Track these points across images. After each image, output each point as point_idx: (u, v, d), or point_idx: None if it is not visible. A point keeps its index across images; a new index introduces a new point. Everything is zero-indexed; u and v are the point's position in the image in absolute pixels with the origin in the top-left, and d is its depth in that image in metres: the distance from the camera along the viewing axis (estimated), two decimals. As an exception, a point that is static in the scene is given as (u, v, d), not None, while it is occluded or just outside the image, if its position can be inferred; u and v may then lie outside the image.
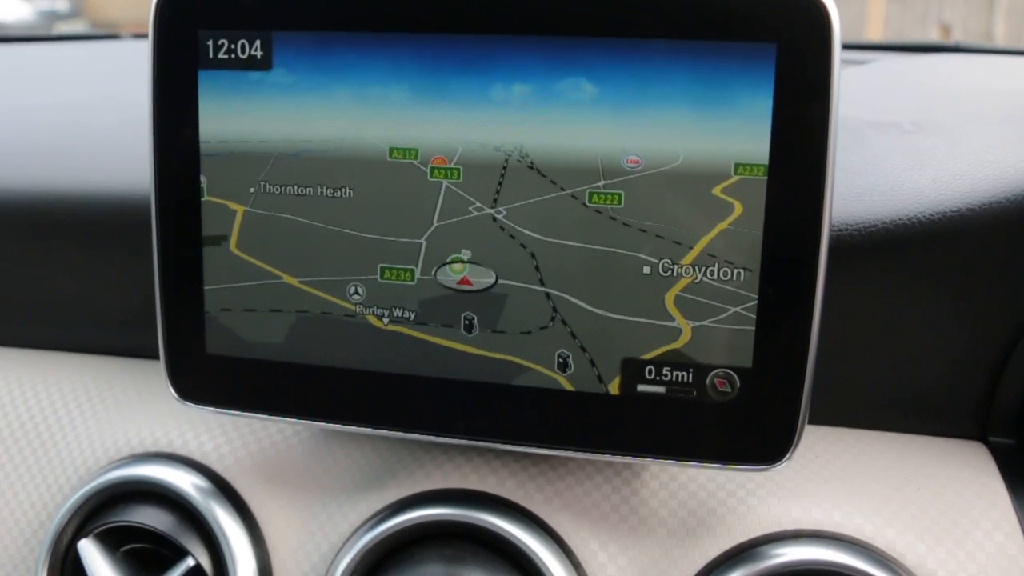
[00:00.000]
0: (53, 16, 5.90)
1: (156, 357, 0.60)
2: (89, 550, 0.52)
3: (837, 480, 0.50)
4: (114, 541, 0.53)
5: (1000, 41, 5.67)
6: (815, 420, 0.53)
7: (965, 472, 0.51)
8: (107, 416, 0.57)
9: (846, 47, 0.93)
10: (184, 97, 0.46)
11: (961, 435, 0.53)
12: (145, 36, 1.02)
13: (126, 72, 0.89)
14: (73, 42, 1.14)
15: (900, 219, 0.48)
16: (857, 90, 0.68)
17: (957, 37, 5.65)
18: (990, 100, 0.64)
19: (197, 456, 0.54)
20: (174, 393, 0.49)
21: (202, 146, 0.46)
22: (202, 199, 0.47)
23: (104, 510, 0.54)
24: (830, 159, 0.40)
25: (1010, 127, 0.56)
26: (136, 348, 0.61)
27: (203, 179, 0.47)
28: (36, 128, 0.70)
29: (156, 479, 0.53)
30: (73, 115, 0.73)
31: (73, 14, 6.17)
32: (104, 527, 0.53)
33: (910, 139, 0.55)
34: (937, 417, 0.53)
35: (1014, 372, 0.51)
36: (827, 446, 0.52)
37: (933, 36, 5.63)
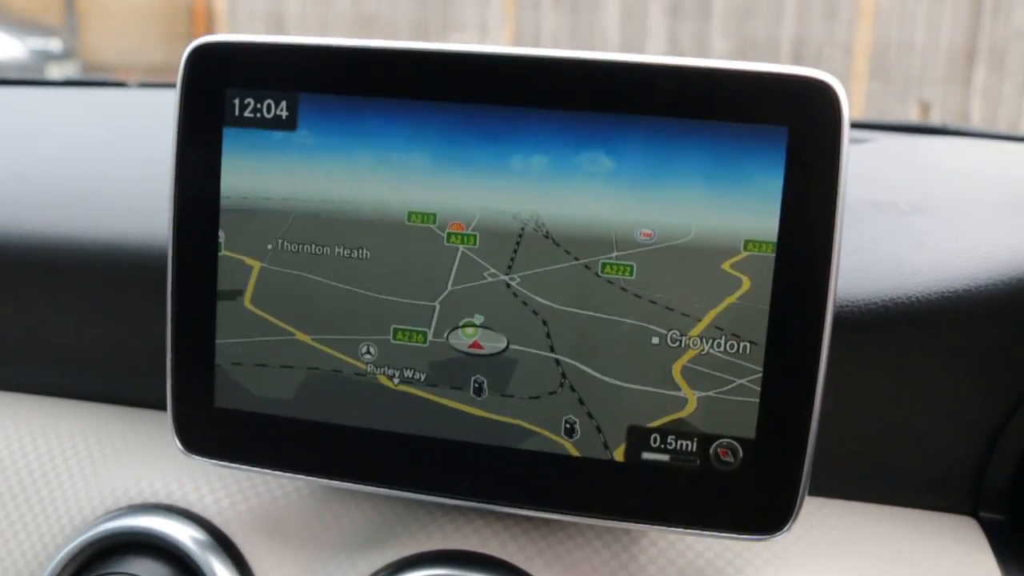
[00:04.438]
0: (46, 56, 5.91)
1: (158, 407, 0.60)
2: (82, 601, 0.52)
3: (832, 552, 0.51)
4: (109, 592, 0.53)
5: (976, 119, 5.80)
6: (812, 492, 0.54)
7: (957, 547, 0.52)
8: (106, 465, 0.57)
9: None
10: (208, 152, 0.47)
11: (953, 510, 0.54)
12: (151, 85, 1.04)
13: (135, 121, 0.90)
14: (79, 88, 1.15)
15: (899, 298, 0.49)
16: (857, 168, 0.70)
17: (935, 115, 5.78)
18: (981, 184, 0.66)
19: (196, 509, 0.54)
20: (179, 445, 0.49)
21: (223, 201, 0.47)
22: (219, 253, 0.48)
23: (99, 561, 0.53)
24: (836, 238, 0.42)
25: (1003, 212, 0.58)
26: (139, 398, 0.61)
27: (222, 234, 0.47)
28: (47, 174, 0.71)
29: (154, 531, 0.53)
30: (84, 162, 0.74)
31: (66, 55, 6.19)
32: (99, 578, 0.52)
33: (908, 220, 0.57)
34: (930, 492, 0.54)
35: (1005, 450, 0.52)
36: (823, 518, 0.53)
37: (913, 114, 5.75)
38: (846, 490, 0.54)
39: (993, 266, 0.50)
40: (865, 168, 0.70)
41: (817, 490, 0.54)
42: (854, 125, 0.94)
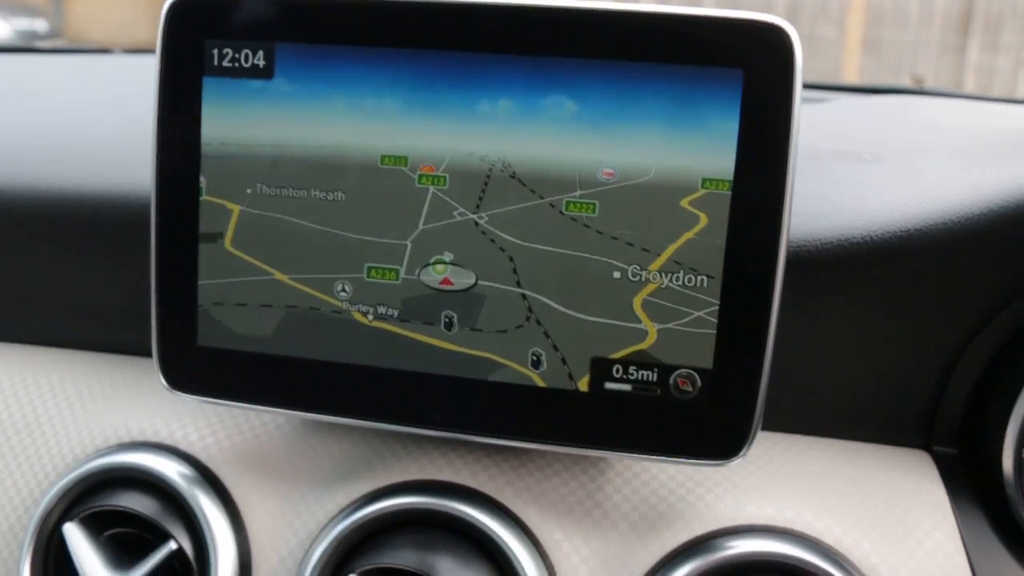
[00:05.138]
0: (32, 35, 5.88)
1: (144, 353, 0.63)
2: (73, 533, 0.54)
3: (790, 482, 0.53)
4: (99, 525, 0.55)
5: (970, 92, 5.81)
6: (771, 427, 0.56)
7: (909, 478, 0.54)
8: (95, 407, 0.60)
9: (812, 87, 0.98)
10: (188, 101, 0.49)
11: (907, 444, 0.57)
12: (135, 52, 1.05)
13: (118, 84, 0.92)
14: (65, 55, 1.16)
15: (854, 238, 0.51)
16: (821, 123, 0.72)
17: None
18: (943, 136, 0.68)
19: (182, 445, 0.56)
20: (164, 383, 0.51)
21: (203, 148, 0.49)
22: (200, 198, 0.50)
23: (90, 495, 0.56)
24: (790, 176, 0.44)
25: (960, 159, 0.60)
26: (125, 344, 0.64)
27: (203, 179, 0.49)
28: (34, 132, 0.72)
29: (142, 466, 0.55)
30: (69, 120, 0.76)
31: (53, 34, 6.16)
32: (89, 511, 0.55)
33: (868, 167, 0.59)
34: (885, 427, 0.56)
35: (957, 386, 0.54)
36: (782, 451, 0.55)
37: (905, 87, 5.75)
38: (805, 425, 0.57)
39: (946, 208, 0.52)
40: (828, 123, 0.73)
41: (776, 425, 0.56)
42: (825, 87, 0.96)
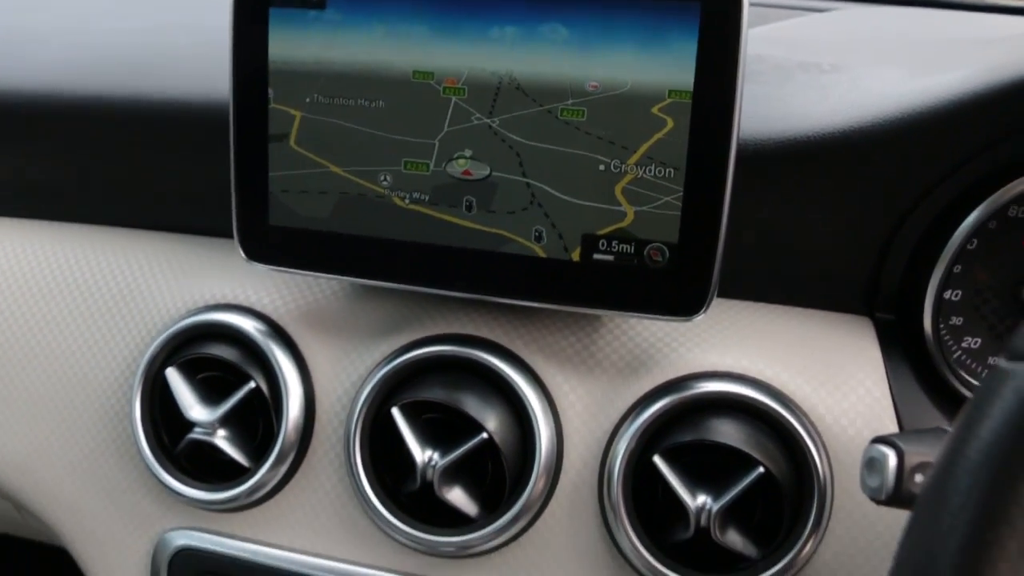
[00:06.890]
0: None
1: (223, 235, 0.75)
2: (174, 376, 0.68)
3: (748, 339, 0.65)
4: (193, 370, 0.69)
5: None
6: (734, 295, 0.68)
7: (850, 339, 0.66)
8: (186, 277, 0.73)
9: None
10: (257, 28, 0.60)
11: (851, 310, 0.68)
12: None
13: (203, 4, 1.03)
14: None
15: (799, 136, 0.62)
16: (805, 35, 0.82)
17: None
18: (901, 49, 0.78)
19: (257, 307, 0.70)
20: (243, 255, 0.64)
21: (270, 65, 0.61)
22: (269, 106, 0.62)
23: (185, 346, 0.69)
24: (739, 88, 0.54)
25: (905, 71, 0.69)
26: (210, 227, 0.77)
27: (271, 91, 0.61)
28: (134, 47, 0.84)
29: (225, 322, 0.69)
30: (164, 36, 0.87)
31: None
32: (185, 358, 0.68)
33: (825, 77, 0.69)
34: (832, 295, 0.67)
35: (894, 259, 0.65)
36: (745, 315, 0.67)
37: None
38: (764, 294, 0.68)
39: (878, 112, 0.62)
40: (811, 35, 0.82)
41: (739, 293, 0.68)
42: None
